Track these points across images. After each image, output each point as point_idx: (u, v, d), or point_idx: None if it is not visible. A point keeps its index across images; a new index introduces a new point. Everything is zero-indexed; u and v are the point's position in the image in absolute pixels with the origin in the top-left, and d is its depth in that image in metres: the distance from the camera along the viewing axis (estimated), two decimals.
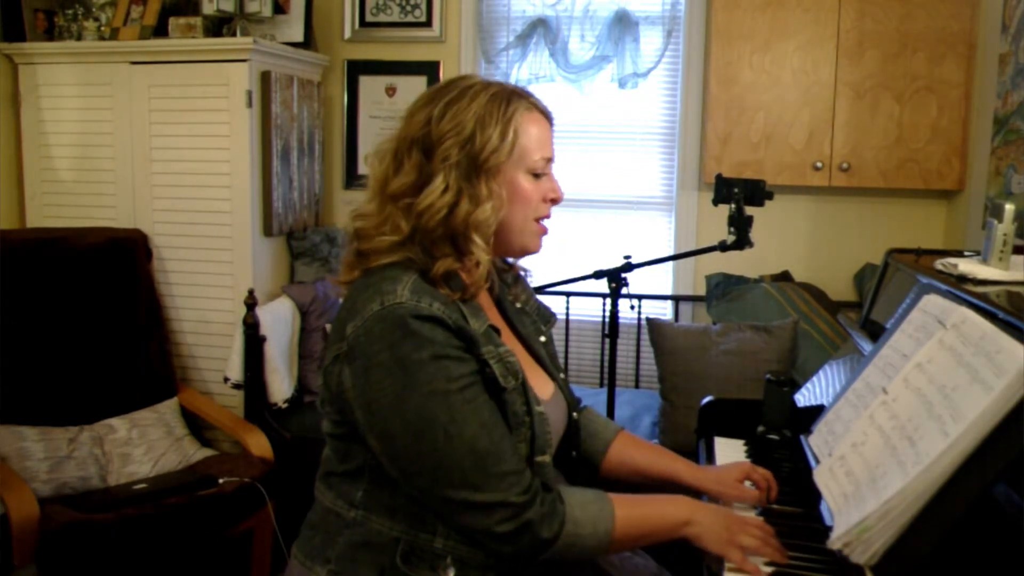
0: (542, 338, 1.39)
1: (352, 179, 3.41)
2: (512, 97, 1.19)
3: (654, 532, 1.18)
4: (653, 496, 1.21)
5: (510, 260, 1.39)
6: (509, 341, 1.29)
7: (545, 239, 1.28)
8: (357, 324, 1.10)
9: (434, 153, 1.15)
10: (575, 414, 1.39)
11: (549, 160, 1.23)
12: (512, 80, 3.16)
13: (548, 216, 1.25)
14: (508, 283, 1.39)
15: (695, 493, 1.42)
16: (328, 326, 2.98)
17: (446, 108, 1.17)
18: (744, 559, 1.15)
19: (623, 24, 3.09)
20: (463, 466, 1.07)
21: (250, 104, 2.79)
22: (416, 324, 1.07)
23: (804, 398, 1.73)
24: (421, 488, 1.10)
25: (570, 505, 1.13)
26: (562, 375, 1.38)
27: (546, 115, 1.24)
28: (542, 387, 1.29)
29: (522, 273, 1.43)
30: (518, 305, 1.39)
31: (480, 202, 1.15)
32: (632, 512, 1.16)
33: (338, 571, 1.16)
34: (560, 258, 3.11)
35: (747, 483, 1.39)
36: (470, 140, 1.15)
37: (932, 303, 1.28)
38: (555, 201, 1.25)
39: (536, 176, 1.21)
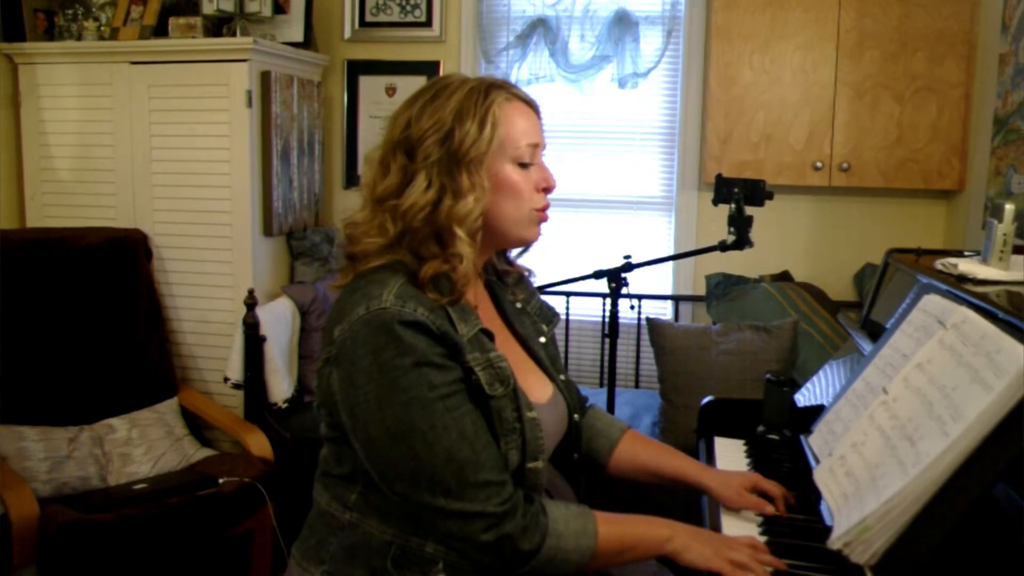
0: (542, 339, 1.38)
1: (352, 179, 3.41)
2: (490, 89, 1.18)
3: (634, 549, 1.17)
4: (634, 516, 1.20)
5: (512, 259, 1.38)
6: (506, 343, 1.28)
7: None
8: (344, 328, 1.10)
9: (416, 153, 1.15)
10: (576, 416, 1.38)
11: (536, 147, 1.21)
12: (512, 80, 3.16)
13: (546, 206, 1.23)
14: (508, 284, 1.39)
15: (699, 493, 1.42)
16: None
17: (424, 107, 1.17)
18: (735, 569, 1.13)
19: (623, 24, 3.09)
20: (442, 474, 1.06)
21: (250, 104, 2.79)
22: (400, 329, 1.06)
23: (804, 398, 1.73)
24: (400, 493, 1.09)
25: (553, 519, 1.12)
26: (563, 376, 1.37)
27: (529, 103, 1.23)
28: (539, 389, 1.28)
29: (525, 274, 1.42)
30: (518, 305, 1.38)
31: (462, 195, 1.14)
32: (613, 529, 1.16)
33: (332, 572, 1.16)
34: (560, 258, 3.11)
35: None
36: (449, 135, 1.14)
37: (932, 303, 1.28)
38: (547, 190, 1.23)
39: (523, 166, 1.19)
